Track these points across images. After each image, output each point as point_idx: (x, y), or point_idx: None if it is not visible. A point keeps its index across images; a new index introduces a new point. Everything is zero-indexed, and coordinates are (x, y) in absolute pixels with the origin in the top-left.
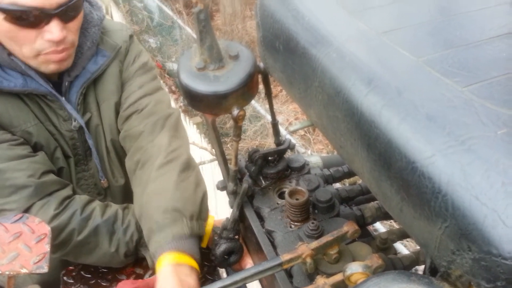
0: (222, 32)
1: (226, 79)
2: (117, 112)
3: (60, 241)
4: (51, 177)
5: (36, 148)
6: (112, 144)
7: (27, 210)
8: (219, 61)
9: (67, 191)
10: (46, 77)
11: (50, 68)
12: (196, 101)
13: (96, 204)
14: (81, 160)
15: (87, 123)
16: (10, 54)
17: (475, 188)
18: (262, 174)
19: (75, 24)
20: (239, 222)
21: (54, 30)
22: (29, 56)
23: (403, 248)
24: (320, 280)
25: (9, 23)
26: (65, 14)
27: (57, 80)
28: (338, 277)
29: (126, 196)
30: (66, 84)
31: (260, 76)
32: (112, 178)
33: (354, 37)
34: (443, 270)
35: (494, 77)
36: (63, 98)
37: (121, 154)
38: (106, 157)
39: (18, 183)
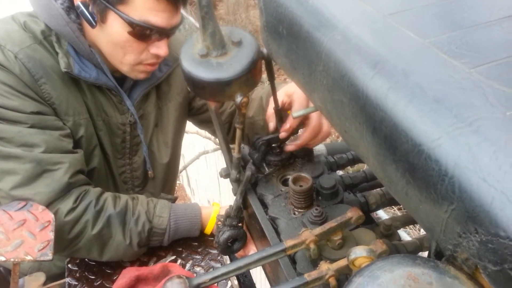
0: (225, 21)
1: (229, 66)
2: (181, 110)
3: (74, 235)
4: (80, 177)
5: (78, 143)
6: (167, 140)
7: (48, 204)
8: (221, 47)
9: (86, 187)
10: (111, 73)
11: (140, 76)
12: (199, 88)
13: (108, 195)
14: (127, 153)
15: (139, 119)
16: (90, 46)
17: (483, 170)
18: (265, 161)
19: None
20: (243, 209)
21: (163, 46)
22: (128, 63)
23: (406, 236)
24: (324, 265)
25: (130, 36)
26: (172, 33)
27: (119, 76)
28: (342, 263)
29: (164, 188)
30: (131, 82)
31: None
32: (157, 171)
33: (359, 19)
34: (449, 253)
35: (503, 58)
36: (125, 94)
37: (171, 152)
38: (157, 151)
39: (55, 177)
